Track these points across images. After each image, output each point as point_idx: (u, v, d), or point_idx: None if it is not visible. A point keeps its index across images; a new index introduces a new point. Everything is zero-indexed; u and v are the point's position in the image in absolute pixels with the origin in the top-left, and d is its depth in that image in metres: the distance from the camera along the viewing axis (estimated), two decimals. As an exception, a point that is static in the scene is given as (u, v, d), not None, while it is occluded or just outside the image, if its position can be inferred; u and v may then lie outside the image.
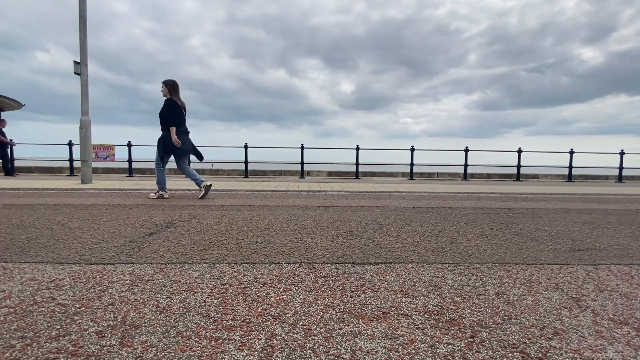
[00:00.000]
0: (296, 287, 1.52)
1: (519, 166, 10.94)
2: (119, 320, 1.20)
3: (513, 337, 1.13)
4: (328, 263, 1.87)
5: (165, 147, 4.60)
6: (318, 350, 1.03)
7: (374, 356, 1.01)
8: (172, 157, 4.84)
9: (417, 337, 1.12)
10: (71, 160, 10.23)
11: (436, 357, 1.01)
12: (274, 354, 1.01)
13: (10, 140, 9.61)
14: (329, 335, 1.12)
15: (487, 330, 1.17)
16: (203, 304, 1.34)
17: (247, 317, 1.24)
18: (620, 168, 11.31)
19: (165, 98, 4.55)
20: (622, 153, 11.25)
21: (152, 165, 11.58)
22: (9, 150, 9.61)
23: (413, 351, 1.04)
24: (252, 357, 0.99)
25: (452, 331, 1.16)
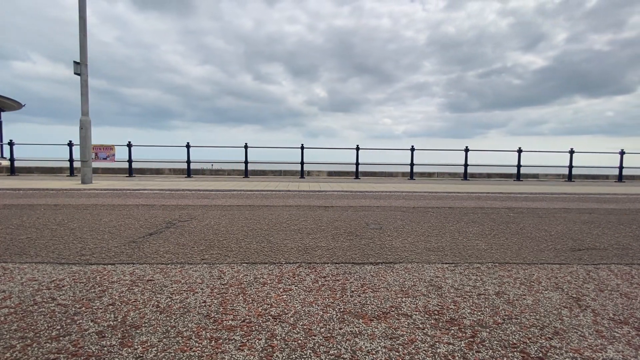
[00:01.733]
0: (296, 287, 1.52)
1: (519, 166, 10.94)
2: (119, 320, 1.20)
3: (513, 336, 1.13)
4: (328, 263, 1.87)
5: None
6: (318, 350, 1.03)
7: (374, 356, 1.01)
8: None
9: (417, 336, 1.12)
10: (71, 160, 10.23)
11: (436, 357, 1.01)
12: (274, 354, 1.01)
13: None
14: (329, 335, 1.12)
15: (487, 330, 1.17)
16: (203, 304, 1.34)
17: (247, 317, 1.24)
18: (620, 168, 11.31)
19: None
20: (622, 153, 11.25)
21: (152, 166, 11.59)
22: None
23: (413, 351, 1.04)
24: (252, 357, 0.99)
25: (452, 331, 1.16)
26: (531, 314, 1.30)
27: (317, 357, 1.00)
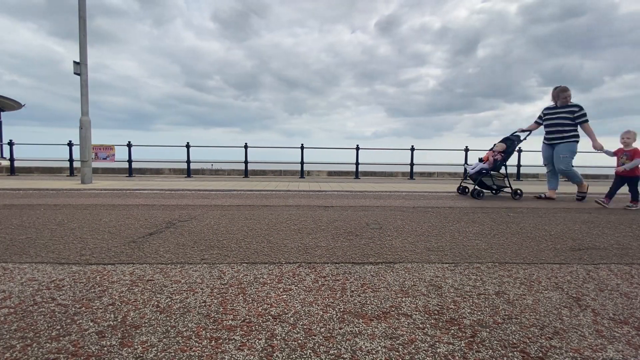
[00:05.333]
0: (296, 287, 1.52)
1: (518, 166, 10.95)
2: (119, 320, 1.20)
3: (513, 336, 1.13)
4: (328, 263, 1.87)
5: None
6: (318, 350, 1.03)
7: (374, 356, 1.01)
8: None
9: (417, 336, 1.12)
10: (71, 160, 10.22)
11: (436, 356, 1.01)
12: (274, 354, 1.01)
13: None
14: (329, 335, 1.12)
15: (487, 329, 1.17)
16: (203, 304, 1.33)
17: (247, 317, 1.24)
18: (620, 167, 11.32)
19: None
20: (622, 152, 11.26)
21: (152, 166, 11.59)
22: None
23: (413, 351, 1.04)
24: (252, 357, 0.99)
25: (452, 331, 1.16)
26: (531, 313, 1.30)
27: (317, 357, 1.00)
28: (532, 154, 11.23)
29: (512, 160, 10.79)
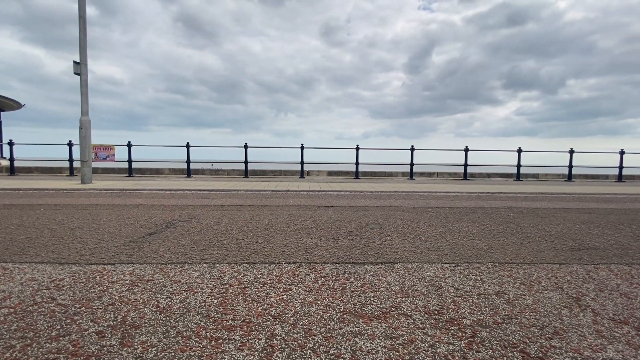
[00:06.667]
0: (296, 287, 1.52)
1: (518, 166, 10.94)
2: (119, 320, 1.20)
3: (513, 336, 1.13)
4: (328, 263, 1.87)
5: None
6: (318, 350, 1.03)
7: (374, 356, 1.01)
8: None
9: (417, 336, 1.12)
10: (71, 160, 10.22)
11: (436, 356, 1.01)
12: (274, 354, 1.01)
13: None
14: (329, 335, 1.12)
15: (487, 329, 1.17)
16: (203, 304, 1.33)
17: (247, 317, 1.24)
18: (620, 167, 11.31)
19: None
20: (622, 152, 11.25)
21: (152, 166, 11.59)
22: None
23: (413, 351, 1.04)
24: (252, 357, 0.99)
25: (452, 331, 1.16)
26: (531, 313, 1.30)
27: (317, 357, 1.00)
28: (532, 154, 11.23)
29: (512, 160, 10.78)
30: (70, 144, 10.16)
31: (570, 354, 1.04)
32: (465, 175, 11.06)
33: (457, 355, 1.02)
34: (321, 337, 1.11)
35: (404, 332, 1.15)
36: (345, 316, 1.26)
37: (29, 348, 1.02)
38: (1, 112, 20.45)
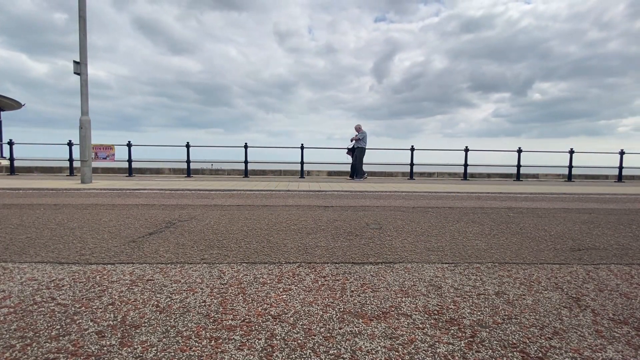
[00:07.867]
0: (296, 287, 1.52)
1: (518, 166, 10.94)
2: (119, 320, 1.20)
3: (513, 336, 1.13)
4: (328, 263, 1.87)
5: None
6: (318, 350, 1.03)
7: (374, 356, 1.01)
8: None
9: (417, 336, 1.12)
10: (71, 160, 10.22)
11: (436, 356, 1.01)
12: (274, 354, 1.01)
13: None
14: (329, 335, 1.12)
15: (487, 330, 1.17)
16: (203, 304, 1.33)
17: (247, 316, 1.24)
18: (620, 168, 11.32)
19: None
20: (622, 153, 11.26)
21: (152, 165, 11.59)
22: None
23: (413, 351, 1.04)
24: (252, 357, 0.99)
25: (452, 331, 1.16)
26: (531, 313, 1.30)
27: (317, 356, 1.00)
28: (532, 154, 11.23)
29: (512, 160, 10.77)
30: (70, 144, 10.16)
31: (570, 354, 1.04)
32: (465, 176, 11.06)
33: (457, 355, 1.02)
34: (321, 337, 1.11)
35: (404, 332, 1.15)
36: (345, 316, 1.26)
37: (28, 348, 1.02)
38: (1, 112, 20.45)
